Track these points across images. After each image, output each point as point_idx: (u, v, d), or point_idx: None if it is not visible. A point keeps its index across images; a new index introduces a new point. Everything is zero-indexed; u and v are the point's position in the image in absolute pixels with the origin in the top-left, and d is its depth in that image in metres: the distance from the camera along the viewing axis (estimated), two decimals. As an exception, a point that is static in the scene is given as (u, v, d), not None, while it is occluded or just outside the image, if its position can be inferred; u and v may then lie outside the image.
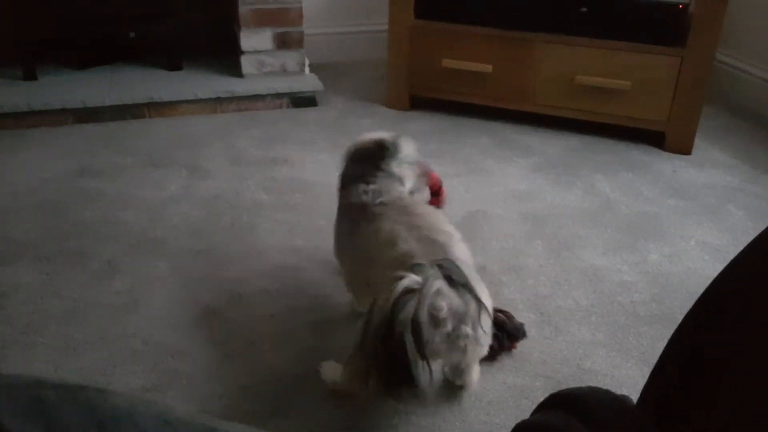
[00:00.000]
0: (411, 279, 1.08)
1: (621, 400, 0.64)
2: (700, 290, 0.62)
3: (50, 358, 1.38)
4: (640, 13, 2.26)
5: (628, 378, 1.35)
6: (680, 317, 0.63)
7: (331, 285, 1.62)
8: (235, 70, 2.73)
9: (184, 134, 2.41)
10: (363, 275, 1.34)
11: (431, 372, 1.08)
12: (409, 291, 1.06)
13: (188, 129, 2.46)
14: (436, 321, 1.07)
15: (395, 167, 1.42)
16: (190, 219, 1.89)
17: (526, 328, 1.45)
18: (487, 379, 1.33)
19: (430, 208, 1.39)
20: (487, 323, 1.16)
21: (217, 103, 2.60)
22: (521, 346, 1.42)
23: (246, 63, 2.69)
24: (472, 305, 1.11)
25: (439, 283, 1.08)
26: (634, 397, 0.69)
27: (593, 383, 1.32)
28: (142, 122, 2.51)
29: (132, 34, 2.73)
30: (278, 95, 2.66)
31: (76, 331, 1.45)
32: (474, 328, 1.12)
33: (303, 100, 2.68)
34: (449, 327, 1.09)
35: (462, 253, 1.23)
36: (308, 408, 1.27)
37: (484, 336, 1.16)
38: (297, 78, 2.72)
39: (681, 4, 2.20)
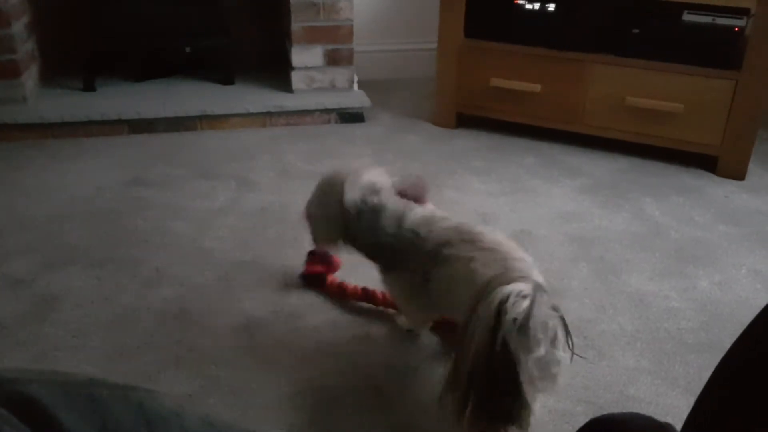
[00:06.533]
0: (516, 286, 1.00)
1: (664, 428, 0.63)
2: (751, 319, 0.61)
3: (98, 361, 1.41)
4: (694, 36, 2.22)
5: (672, 407, 1.32)
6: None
7: (373, 300, 1.63)
8: (286, 85, 2.77)
9: (234, 147, 2.46)
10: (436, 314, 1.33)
11: (529, 402, 1.01)
12: (517, 296, 0.98)
13: (238, 142, 2.51)
14: (534, 339, 0.99)
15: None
16: (237, 230, 1.92)
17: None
18: (527, 402, 1.32)
19: (500, 238, 1.27)
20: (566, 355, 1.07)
21: (266, 117, 2.65)
22: (563, 369, 1.40)
23: (296, 78, 2.74)
24: (561, 331, 1.04)
25: (542, 297, 1.01)
26: (679, 427, 0.68)
27: (636, 410, 1.30)
28: (194, 134, 2.57)
29: (187, 49, 2.80)
30: (327, 111, 2.69)
31: (124, 337, 1.49)
32: (562, 356, 1.05)
33: (351, 116, 2.71)
34: (542, 350, 1.00)
35: (540, 279, 1.14)
36: (347, 421, 1.27)
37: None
38: (346, 94, 2.75)
39: (737, 26, 2.16)
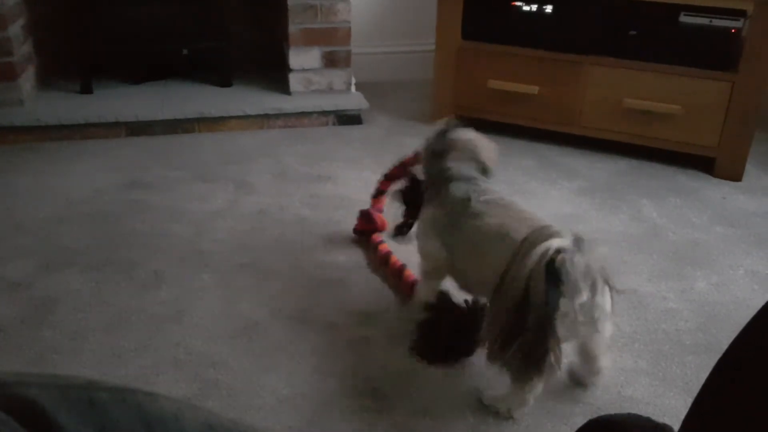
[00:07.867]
0: (560, 240, 1.12)
1: (661, 429, 0.63)
2: (748, 320, 0.61)
3: (96, 364, 1.41)
4: (691, 37, 2.23)
5: (670, 408, 1.33)
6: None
7: (372, 302, 1.63)
8: (283, 88, 2.78)
9: (231, 149, 2.46)
10: (472, 271, 1.38)
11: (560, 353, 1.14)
12: (557, 252, 1.11)
13: (236, 144, 2.51)
14: (576, 287, 1.11)
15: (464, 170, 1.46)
16: (235, 233, 1.92)
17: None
18: (525, 403, 1.32)
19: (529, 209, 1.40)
20: (609, 304, 1.20)
21: (264, 120, 2.65)
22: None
23: (294, 81, 2.74)
24: (602, 280, 1.15)
25: (582, 248, 1.13)
26: (677, 428, 0.68)
27: (634, 411, 1.30)
28: (191, 137, 2.57)
29: (185, 51, 2.80)
30: (324, 113, 2.69)
31: (122, 340, 1.49)
32: (605, 303, 1.17)
33: (348, 118, 2.71)
34: (584, 297, 1.12)
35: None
36: (346, 423, 1.27)
37: (610, 315, 1.21)
38: (343, 96, 2.75)
39: (734, 28, 2.17)
